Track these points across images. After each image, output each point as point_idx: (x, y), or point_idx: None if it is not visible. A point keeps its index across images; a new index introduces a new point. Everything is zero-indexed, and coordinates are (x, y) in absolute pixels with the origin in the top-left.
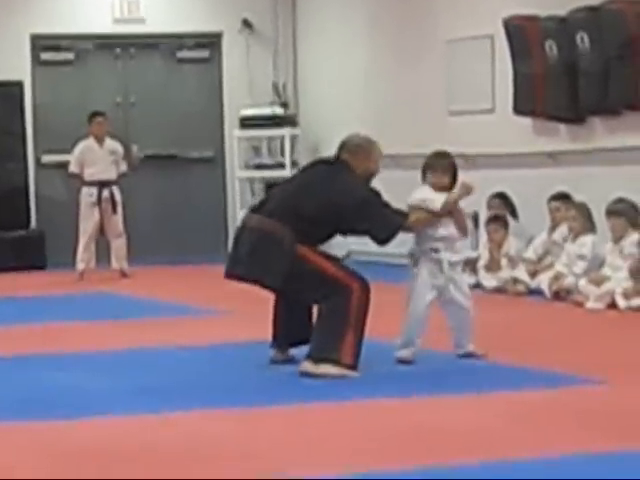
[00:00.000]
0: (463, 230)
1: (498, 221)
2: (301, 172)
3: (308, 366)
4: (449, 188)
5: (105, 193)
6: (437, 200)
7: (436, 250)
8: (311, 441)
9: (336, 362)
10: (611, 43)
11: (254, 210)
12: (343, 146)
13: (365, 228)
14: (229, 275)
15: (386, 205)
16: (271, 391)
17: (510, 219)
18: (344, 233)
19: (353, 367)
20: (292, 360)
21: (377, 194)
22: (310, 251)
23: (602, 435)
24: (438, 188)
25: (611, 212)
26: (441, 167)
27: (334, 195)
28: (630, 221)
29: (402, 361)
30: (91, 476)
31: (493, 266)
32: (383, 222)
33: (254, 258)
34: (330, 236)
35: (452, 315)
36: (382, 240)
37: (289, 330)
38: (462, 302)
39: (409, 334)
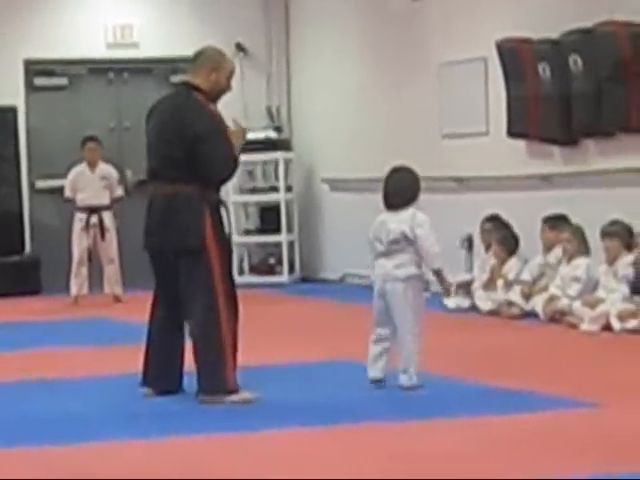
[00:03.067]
0: None
1: (505, 244)
2: (153, 114)
3: (205, 399)
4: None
5: (93, 219)
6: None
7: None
8: (303, 466)
9: (226, 392)
10: (604, 65)
11: (149, 179)
12: (191, 63)
13: (206, 172)
14: (146, 247)
15: (222, 140)
16: (263, 416)
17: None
18: None
19: (236, 389)
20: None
21: (220, 122)
22: (216, 246)
23: (596, 458)
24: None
25: (606, 234)
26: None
27: (182, 131)
28: (624, 243)
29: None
30: None
31: (491, 285)
32: (219, 164)
33: (167, 224)
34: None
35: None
36: (219, 181)
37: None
38: (397, 323)
39: None
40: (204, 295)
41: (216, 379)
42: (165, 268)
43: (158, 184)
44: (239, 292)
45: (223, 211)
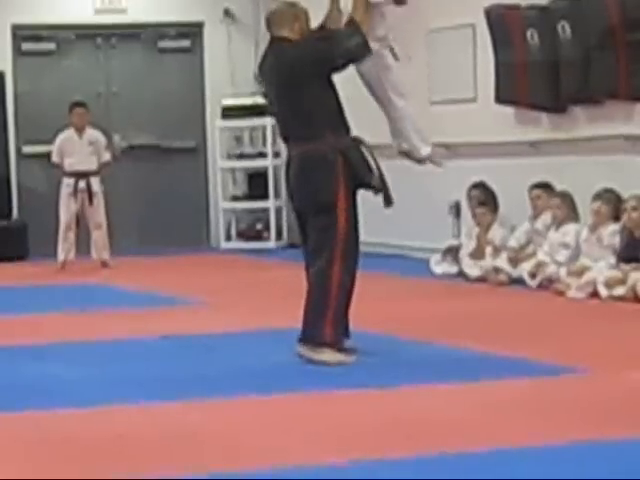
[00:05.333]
0: None
1: (487, 205)
2: (262, 74)
3: (303, 350)
4: None
5: (81, 184)
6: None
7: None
8: (294, 431)
9: (320, 344)
10: (593, 32)
11: (286, 140)
12: (270, 24)
13: (340, 52)
14: (293, 208)
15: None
16: (252, 381)
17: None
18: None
19: (334, 343)
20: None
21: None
22: (346, 200)
23: (583, 424)
24: None
25: (598, 196)
26: None
27: (293, 69)
28: (612, 211)
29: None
30: (69, 466)
31: (478, 254)
32: (349, 39)
33: (302, 184)
34: (337, 104)
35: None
36: (361, 52)
37: None
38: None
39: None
40: (326, 250)
41: (316, 330)
42: (304, 226)
43: (292, 144)
44: (226, 257)
45: (364, 149)
